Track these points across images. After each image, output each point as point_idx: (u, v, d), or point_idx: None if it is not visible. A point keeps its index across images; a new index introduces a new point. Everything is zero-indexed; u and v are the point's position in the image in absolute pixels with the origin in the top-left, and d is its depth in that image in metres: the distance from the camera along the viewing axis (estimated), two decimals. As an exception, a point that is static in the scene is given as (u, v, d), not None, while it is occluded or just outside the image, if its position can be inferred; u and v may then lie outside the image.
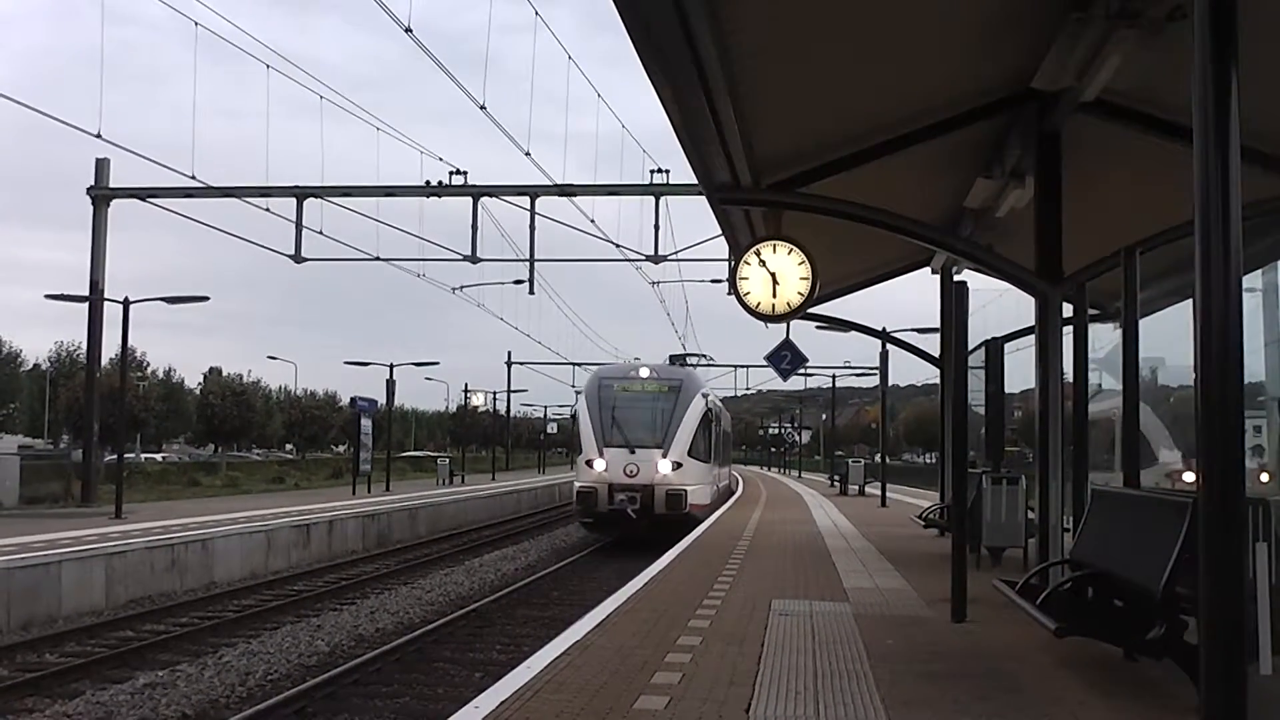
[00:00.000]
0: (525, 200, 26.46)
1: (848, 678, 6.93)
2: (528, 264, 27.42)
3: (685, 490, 23.79)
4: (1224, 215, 4.10)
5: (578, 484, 24.92)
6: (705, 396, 25.83)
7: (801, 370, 36.13)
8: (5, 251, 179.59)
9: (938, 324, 20.87)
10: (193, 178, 21.87)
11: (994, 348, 14.06)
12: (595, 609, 9.64)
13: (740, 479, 50.29)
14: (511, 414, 70.64)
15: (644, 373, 26.24)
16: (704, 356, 44.78)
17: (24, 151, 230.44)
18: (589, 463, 24.45)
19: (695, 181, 11.21)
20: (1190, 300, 4.48)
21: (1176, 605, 5.94)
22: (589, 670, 7.01)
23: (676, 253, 27.56)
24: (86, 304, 27.36)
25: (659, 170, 26.23)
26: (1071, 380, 10.42)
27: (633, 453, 24.13)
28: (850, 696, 6.40)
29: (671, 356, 32.11)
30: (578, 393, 27.05)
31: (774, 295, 11.33)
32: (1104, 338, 11.40)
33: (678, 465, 24.21)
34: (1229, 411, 4.10)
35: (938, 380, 22.23)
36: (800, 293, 11.32)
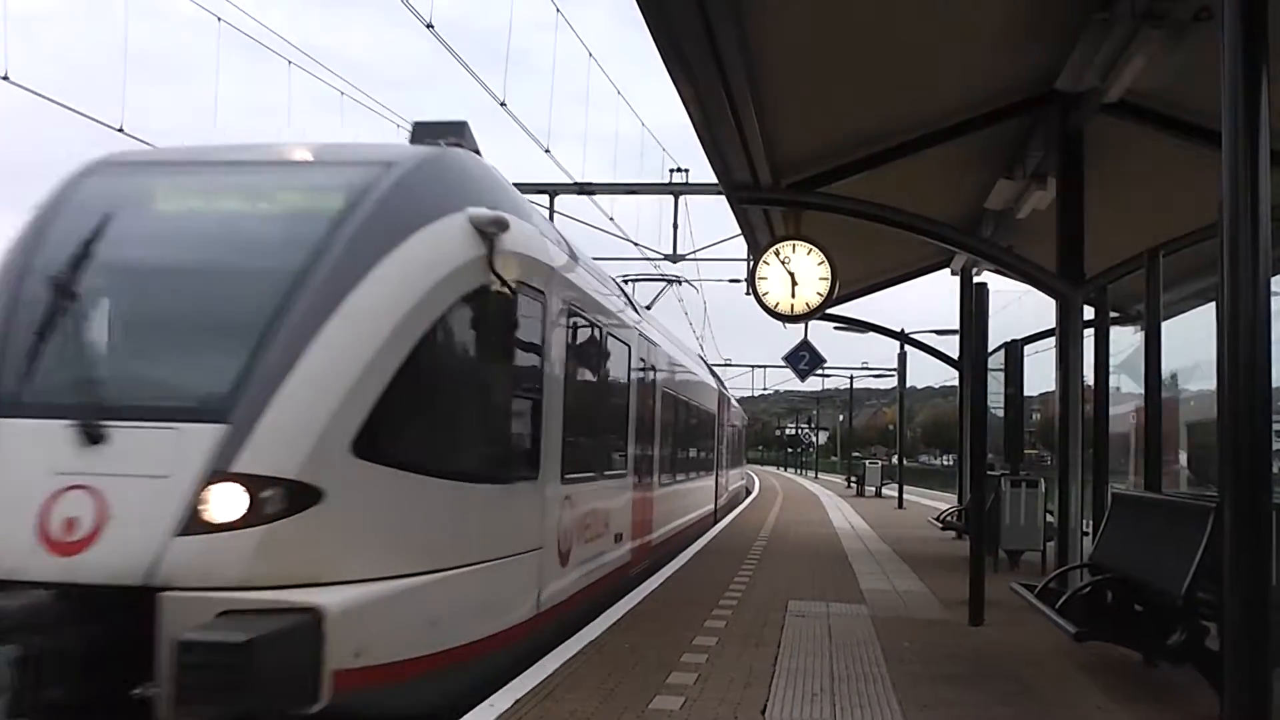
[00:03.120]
0: (544, 198, 26.48)
1: (865, 680, 6.90)
2: (545, 262, 27.20)
3: (317, 611, 4.88)
4: (1253, 217, 4.06)
5: None
6: (527, 226, 7.52)
7: (819, 371, 36.02)
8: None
9: (957, 326, 20.81)
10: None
11: (1014, 350, 14.00)
12: (611, 608, 9.63)
13: (756, 479, 50.19)
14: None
15: (266, 156, 6.92)
16: (688, 281, 27.47)
17: (50, 146, 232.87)
18: None
19: (715, 181, 11.23)
20: (1214, 303, 4.45)
21: (1198, 611, 5.90)
22: (605, 669, 7.00)
23: (695, 252, 27.46)
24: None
25: (679, 169, 26.12)
26: (1092, 383, 10.36)
27: (92, 441, 5.19)
28: (867, 699, 6.38)
29: (418, 125, 7.85)
30: None
31: (793, 295, 11.35)
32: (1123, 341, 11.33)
33: (293, 492, 5.08)
34: (1256, 416, 4.06)
35: (956, 382, 22.16)
36: (819, 293, 11.34)
